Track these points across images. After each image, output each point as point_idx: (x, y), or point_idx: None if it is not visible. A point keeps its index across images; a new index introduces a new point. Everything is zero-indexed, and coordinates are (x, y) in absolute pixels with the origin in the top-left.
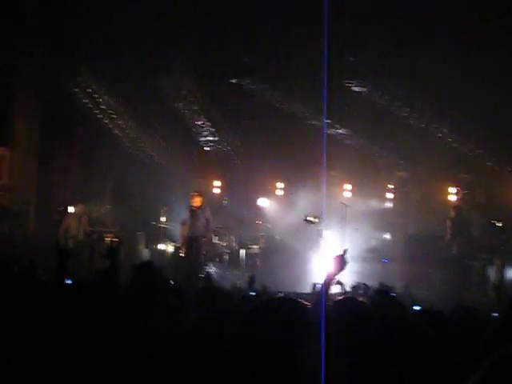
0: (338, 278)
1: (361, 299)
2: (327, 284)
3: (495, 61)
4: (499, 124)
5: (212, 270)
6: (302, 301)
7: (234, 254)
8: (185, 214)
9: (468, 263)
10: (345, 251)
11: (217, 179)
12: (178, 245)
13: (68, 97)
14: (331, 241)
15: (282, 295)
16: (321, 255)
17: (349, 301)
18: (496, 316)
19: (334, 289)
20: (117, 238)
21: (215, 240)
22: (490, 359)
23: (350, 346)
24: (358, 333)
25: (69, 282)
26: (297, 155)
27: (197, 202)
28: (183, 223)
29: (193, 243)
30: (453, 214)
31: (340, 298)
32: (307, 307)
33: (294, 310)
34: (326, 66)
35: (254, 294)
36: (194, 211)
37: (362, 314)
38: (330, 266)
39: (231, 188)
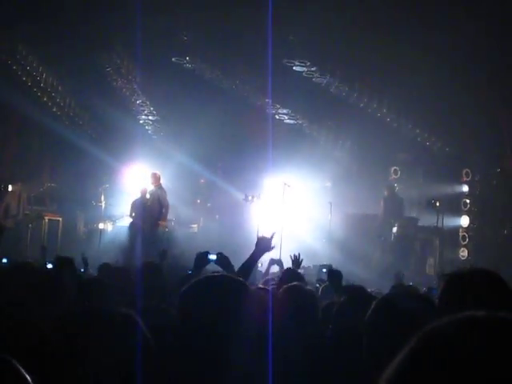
0: (274, 257)
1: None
2: (252, 261)
3: (433, 36)
4: (438, 104)
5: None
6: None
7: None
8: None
9: (407, 243)
10: (272, 235)
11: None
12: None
13: (6, 74)
14: (269, 220)
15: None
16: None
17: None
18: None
19: (273, 268)
20: (57, 216)
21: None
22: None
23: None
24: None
25: (4, 260)
26: (238, 134)
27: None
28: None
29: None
30: (386, 193)
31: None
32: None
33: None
34: (269, 45)
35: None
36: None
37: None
38: (258, 246)
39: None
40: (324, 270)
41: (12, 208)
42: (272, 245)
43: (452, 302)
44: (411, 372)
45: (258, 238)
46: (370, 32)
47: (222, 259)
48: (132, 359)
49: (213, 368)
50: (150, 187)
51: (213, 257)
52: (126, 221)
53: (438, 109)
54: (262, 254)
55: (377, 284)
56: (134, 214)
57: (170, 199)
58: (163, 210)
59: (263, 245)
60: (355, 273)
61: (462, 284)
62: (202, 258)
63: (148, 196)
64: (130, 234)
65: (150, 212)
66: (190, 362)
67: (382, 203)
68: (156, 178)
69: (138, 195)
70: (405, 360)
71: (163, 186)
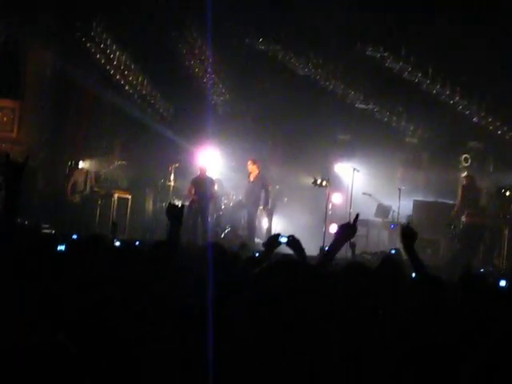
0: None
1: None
2: (335, 248)
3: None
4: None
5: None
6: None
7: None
8: (191, 173)
9: (476, 232)
10: (356, 216)
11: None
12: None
13: (81, 52)
14: (339, 205)
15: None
16: (328, 219)
17: (357, 266)
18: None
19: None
20: (126, 194)
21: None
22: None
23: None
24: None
25: (74, 237)
26: (307, 118)
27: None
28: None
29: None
30: (465, 182)
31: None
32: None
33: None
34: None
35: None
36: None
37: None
38: (341, 232)
39: (242, 150)
40: (393, 252)
41: (79, 184)
42: (356, 228)
43: None
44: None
45: (341, 225)
46: (445, 17)
47: (293, 242)
48: None
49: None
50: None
51: (283, 239)
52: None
53: (511, 97)
54: (346, 241)
55: (444, 272)
56: (192, 192)
57: (239, 182)
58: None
59: (347, 231)
60: (424, 260)
61: None
62: (273, 240)
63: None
64: (189, 212)
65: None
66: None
67: (459, 191)
68: (202, 171)
69: (197, 173)
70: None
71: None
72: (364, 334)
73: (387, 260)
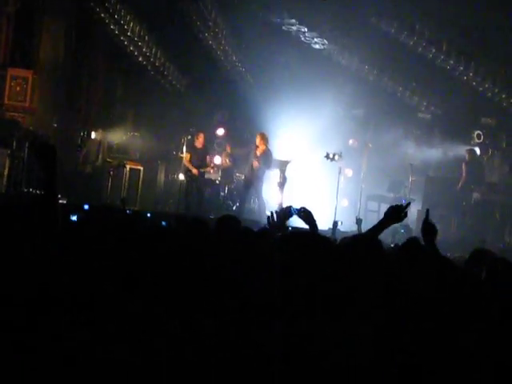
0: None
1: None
2: (378, 229)
3: None
4: None
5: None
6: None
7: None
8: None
9: (487, 209)
10: (407, 204)
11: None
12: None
13: (95, 22)
14: (351, 179)
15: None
16: (340, 193)
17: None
18: None
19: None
20: (138, 165)
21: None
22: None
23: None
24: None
25: (86, 207)
26: (321, 92)
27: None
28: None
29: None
30: (468, 157)
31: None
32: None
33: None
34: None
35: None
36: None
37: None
38: (389, 214)
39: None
40: (402, 231)
41: (91, 154)
42: (403, 215)
43: None
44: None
45: (390, 208)
46: None
47: (305, 214)
48: None
49: None
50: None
51: (295, 212)
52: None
53: None
54: (391, 224)
55: (455, 248)
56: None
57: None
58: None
59: (394, 214)
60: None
61: None
62: (285, 211)
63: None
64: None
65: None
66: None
67: (463, 167)
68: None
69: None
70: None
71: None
72: (376, 308)
73: (410, 242)
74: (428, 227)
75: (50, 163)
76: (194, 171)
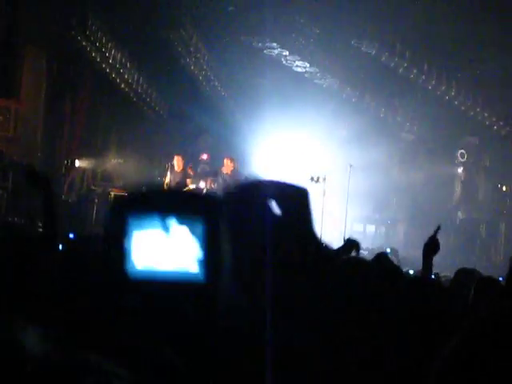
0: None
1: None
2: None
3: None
4: (507, 88)
5: None
6: None
7: None
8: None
9: (473, 227)
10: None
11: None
12: None
13: (76, 51)
14: (335, 201)
15: None
16: (325, 215)
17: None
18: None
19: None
20: (123, 192)
21: None
22: (468, 321)
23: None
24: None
25: (71, 236)
26: (302, 114)
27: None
28: None
29: None
30: (463, 176)
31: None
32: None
33: None
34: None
35: None
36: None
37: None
38: (426, 249)
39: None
40: (388, 251)
41: (76, 183)
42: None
43: None
44: (467, 355)
45: (426, 245)
46: (439, 13)
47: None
48: None
49: None
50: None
51: None
52: None
53: (507, 93)
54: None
55: (441, 266)
56: None
57: None
58: None
59: (432, 246)
60: (420, 256)
61: None
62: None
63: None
64: None
65: None
66: None
67: (458, 186)
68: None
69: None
70: (462, 343)
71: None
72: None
73: (380, 256)
74: (432, 244)
75: (48, 193)
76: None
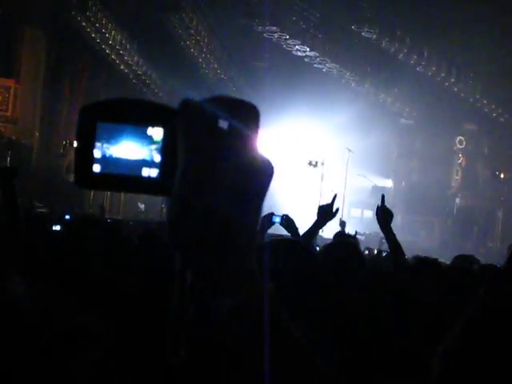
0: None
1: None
2: (311, 231)
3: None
4: (507, 75)
5: None
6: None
7: None
8: None
9: (470, 213)
10: (334, 197)
11: None
12: None
13: (76, 31)
14: (333, 185)
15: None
16: (323, 200)
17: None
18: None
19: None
20: None
21: None
22: (470, 309)
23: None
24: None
25: (67, 217)
26: (302, 98)
27: None
28: None
29: None
30: (463, 163)
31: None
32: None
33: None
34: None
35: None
36: None
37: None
38: (319, 214)
39: None
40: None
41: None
42: (334, 210)
43: None
44: (470, 341)
45: (320, 207)
46: None
47: (287, 221)
48: None
49: None
50: None
51: (277, 219)
52: None
53: (507, 80)
54: (325, 223)
55: (438, 253)
56: None
57: None
58: None
59: (325, 213)
60: (417, 241)
61: None
62: (267, 219)
63: None
64: None
65: None
66: None
67: (459, 174)
68: None
69: None
70: (464, 330)
71: None
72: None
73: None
74: (383, 211)
75: (7, 186)
76: None
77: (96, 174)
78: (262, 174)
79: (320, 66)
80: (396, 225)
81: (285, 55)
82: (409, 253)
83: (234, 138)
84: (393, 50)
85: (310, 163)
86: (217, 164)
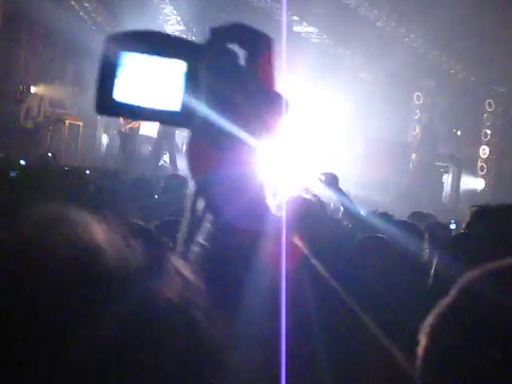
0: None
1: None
2: None
3: None
4: (467, 32)
5: None
6: None
7: None
8: None
9: (425, 169)
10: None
11: None
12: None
13: None
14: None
15: None
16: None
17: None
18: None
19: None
20: (78, 121)
21: None
22: (457, 285)
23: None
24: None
25: (22, 162)
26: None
27: None
28: None
29: None
30: (424, 119)
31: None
32: None
33: None
34: None
35: None
36: None
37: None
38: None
39: None
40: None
41: (33, 109)
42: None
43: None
44: (452, 323)
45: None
46: None
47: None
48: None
49: None
50: None
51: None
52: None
53: (465, 37)
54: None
55: (393, 207)
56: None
57: None
58: None
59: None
60: (372, 196)
61: (488, 218)
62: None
63: None
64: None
65: None
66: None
67: (418, 130)
68: None
69: None
70: (446, 312)
71: None
72: None
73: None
74: (329, 175)
75: None
76: (128, 126)
77: (117, 102)
78: (276, 110)
79: (279, 18)
80: (352, 180)
81: (251, 10)
82: (367, 208)
83: (252, 74)
84: (353, 3)
85: None
86: (237, 100)
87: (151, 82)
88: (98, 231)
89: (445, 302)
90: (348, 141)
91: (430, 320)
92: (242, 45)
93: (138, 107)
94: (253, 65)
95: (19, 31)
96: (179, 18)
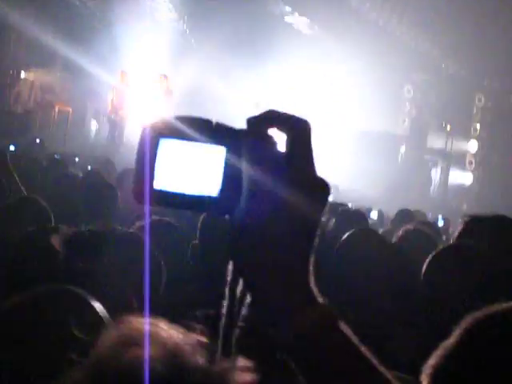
0: None
1: None
2: None
3: None
4: (458, 26)
5: None
6: None
7: None
8: None
9: (414, 163)
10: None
11: None
12: None
13: None
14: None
15: None
16: None
17: None
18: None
19: None
20: (67, 107)
21: None
22: (461, 327)
23: None
24: None
25: (12, 148)
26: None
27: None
28: None
29: None
30: (414, 113)
31: None
32: None
33: None
34: None
35: None
36: None
37: None
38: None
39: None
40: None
41: (23, 95)
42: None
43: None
44: (456, 366)
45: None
46: None
47: None
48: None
49: None
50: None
51: None
52: None
53: (457, 31)
54: None
55: (380, 201)
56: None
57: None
58: None
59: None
60: (360, 190)
61: (481, 228)
62: None
63: None
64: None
65: None
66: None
67: (407, 124)
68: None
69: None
70: (450, 354)
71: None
72: None
73: None
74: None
75: None
76: (118, 113)
77: (156, 190)
78: (318, 198)
79: (271, 9)
80: (342, 174)
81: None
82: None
83: (293, 160)
84: None
85: (256, 105)
86: (278, 190)
87: (190, 168)
88: None
89: (448, 343)
90: (337, 134)
91: (432, 361)
92: (281, 129)
93: (178, 194)
94: (293, 150)
95: (8, 15)
96: (171, 6)
